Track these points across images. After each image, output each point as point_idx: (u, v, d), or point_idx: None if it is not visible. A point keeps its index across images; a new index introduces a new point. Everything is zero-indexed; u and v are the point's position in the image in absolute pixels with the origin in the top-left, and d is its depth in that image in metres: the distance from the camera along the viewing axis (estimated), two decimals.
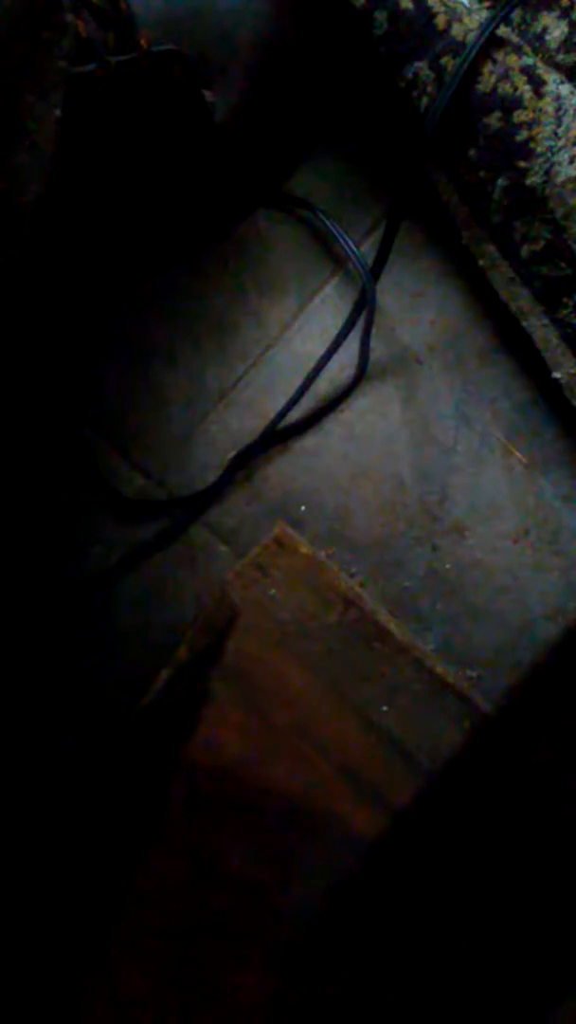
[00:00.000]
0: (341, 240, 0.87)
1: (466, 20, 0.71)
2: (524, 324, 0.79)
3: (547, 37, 0.76)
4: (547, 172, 0.70)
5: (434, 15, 0.71)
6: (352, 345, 0.87)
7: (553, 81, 0.70)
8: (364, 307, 0.84)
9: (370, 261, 0.84)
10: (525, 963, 0.72)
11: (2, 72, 0.55)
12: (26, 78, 0.58)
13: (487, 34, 0.69)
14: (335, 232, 0.87)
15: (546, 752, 0.79)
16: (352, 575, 0.85)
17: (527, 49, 0.72)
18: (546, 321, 0.77)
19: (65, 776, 0.81)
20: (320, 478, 0.87)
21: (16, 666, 0.84)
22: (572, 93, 0.70)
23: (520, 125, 0.70)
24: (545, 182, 0.70)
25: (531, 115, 0.69)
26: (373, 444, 0.87)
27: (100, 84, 0.67)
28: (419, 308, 0.88)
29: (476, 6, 0.74)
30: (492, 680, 0.82)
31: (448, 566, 0.84)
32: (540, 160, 0.70)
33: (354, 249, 0.86)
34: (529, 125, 0.70)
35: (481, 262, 0.79)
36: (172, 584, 0.86)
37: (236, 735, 0.75)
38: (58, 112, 0.59)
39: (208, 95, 0.79)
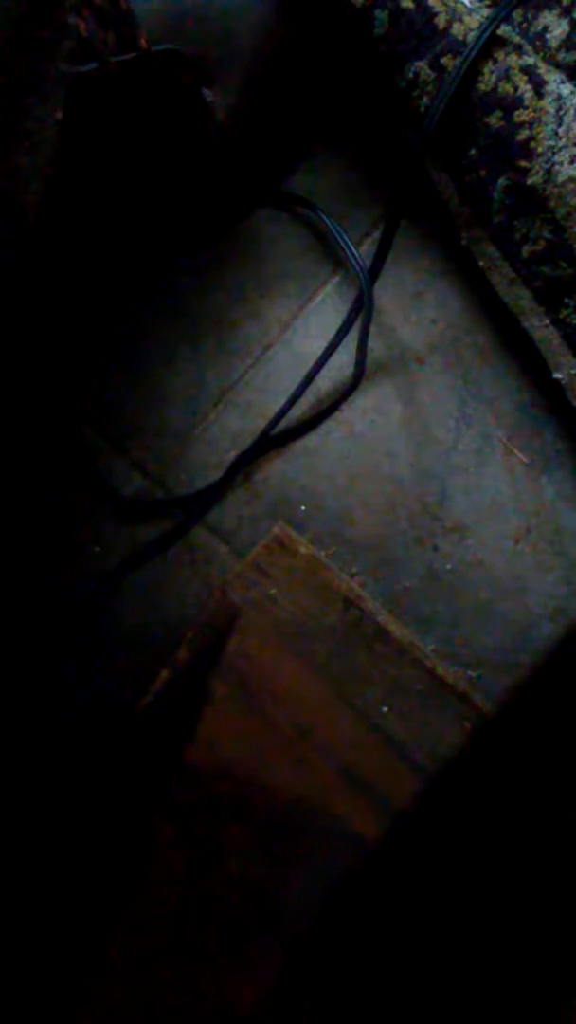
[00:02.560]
0: (340, 239, 0.86)
1: (467, 19, 0.71)
2: (525, 325, 0.79)
3: (548, 36, 0.75)
4: (548, 172, 0.70)
5: (434, 14, 0.71)
6: (352, 345, 0.87)
7: (554, 80, 0.70)
8: (362, 308, 0.84)
9: (370, 260, 0.84)
10: (526, 964, 0.72)
11: (3, 73, 0.55)
12: (27, 79, 0.58)
13: (488, 33, 0.69)
14: (334, 231, 0.87)
15: (546, 753, 0.79)
16: (352, 575, 0.84)
17: (528, 48, 0.72)
18: (547, 322, 0.77)
19: (65, 777, 0.81)
20: (320, 478, 0.87)
21: (16, 667, 0.84)
22: (573, 93, 0.70)
23: (521, 125, 0.70)
24: (546, 182, 0.70)
25: (532, 115, 0.69)
26: (373, 444, 0.87)
27: (100, 84, 0.67)
28: (420, 307, 0.88)
29: (477, 5, 0.73)
30: (492, 680, 0.82)
31: (448, 566, 0.84)
32: (541, 160, 0.70)
33: (352, 249, 0.86)
34: (530, 125, 0.69)
35: (481, 263, 0.79)
36: (172, 584, 0.86)
37: (236, 735, 0.75)
38: (59, 114, 0.60)
39: (208, 94, 0.79)
